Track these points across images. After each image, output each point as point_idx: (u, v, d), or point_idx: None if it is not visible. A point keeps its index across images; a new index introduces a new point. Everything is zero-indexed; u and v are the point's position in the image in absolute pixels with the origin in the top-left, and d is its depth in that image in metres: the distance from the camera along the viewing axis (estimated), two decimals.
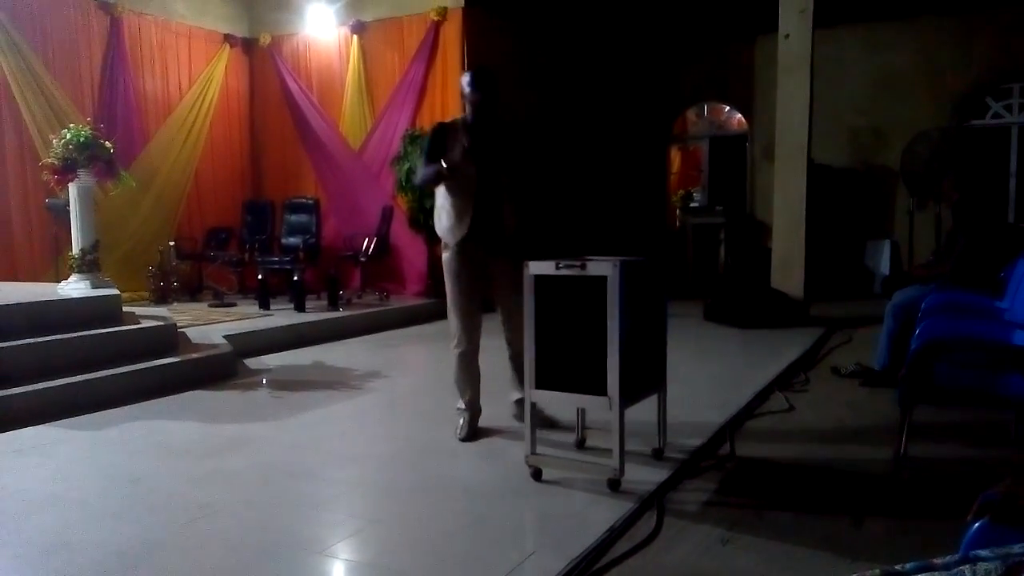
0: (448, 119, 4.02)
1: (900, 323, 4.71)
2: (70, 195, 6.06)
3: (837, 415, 4.43)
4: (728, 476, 3.39)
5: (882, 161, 10.31)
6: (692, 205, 12.04)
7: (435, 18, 8.82)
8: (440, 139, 3.79)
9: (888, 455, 3.22)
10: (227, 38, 9.85)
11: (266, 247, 8.89)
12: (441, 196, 3.84)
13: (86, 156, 5.85)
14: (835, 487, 3.27)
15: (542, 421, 3.65)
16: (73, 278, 6.03)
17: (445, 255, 3.89)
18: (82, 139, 5.84)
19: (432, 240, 7.02)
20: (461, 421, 3.91)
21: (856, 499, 3.11)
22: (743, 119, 11.57)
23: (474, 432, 3.88)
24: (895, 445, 3.17)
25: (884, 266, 9.95)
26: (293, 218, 9.07)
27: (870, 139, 10.39)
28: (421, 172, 3.88)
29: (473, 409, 3.93)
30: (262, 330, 6.76)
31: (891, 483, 3.07)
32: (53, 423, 4.27)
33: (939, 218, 9.45)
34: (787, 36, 7.71)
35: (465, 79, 3.83)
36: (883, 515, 2.95)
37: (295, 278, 7.95)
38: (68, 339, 5.01)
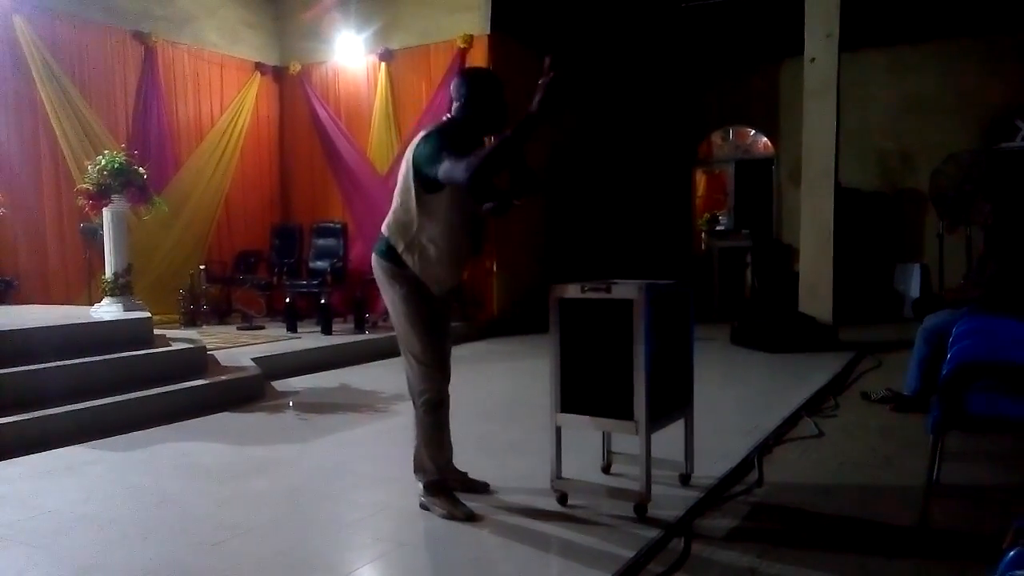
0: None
1: (931, 348, 4.65)
2: (104, 220, 6.19)
3: (867, 441, 4.37)
4: (756, 503, 3.35)
5: (911, 184, 10.22)
6: (718, 228, 11.99)
7: (461, 45, 8.93)
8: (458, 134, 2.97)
9: (920, 482, 3.17)
10: (258, 66, 10.04)
11: (294, 271, 8.99)
12: (433, 224, 3.02)
13: (120, 182, 5.99)
14: (866, 514, 3.21)
15: (464, 485, 3.36)
16: (106, 301, 6.14)
17: (403, 290, 3.10)
18: (116, 165, 5.98)
19: None
20: (439, 500, 3.17)
21: (887, 526, 3.06)
22: (769, 143, 11.55)
23: (464, 504, 3.18)
24: (927, 472, 3.11)
25: (914, 290, 9.83)
26: (321, 242, 9.16)
27: (898, 162, 10.32)
28: (466, 162, 2.71)
29: (449, 473, 3.30)
30: (289, 353, 6.83)
31: (922, 510, 3.02)
32: (85, 444, 4.33)
33: (970, 241, 9.32)
34: (813, 60, 7.71)
35: (495, 83, 3.16)
36: (915, 543, 2.90)
37: (322, 301, 8.02)
38: (100, 361, 5.10)
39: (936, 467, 3.21)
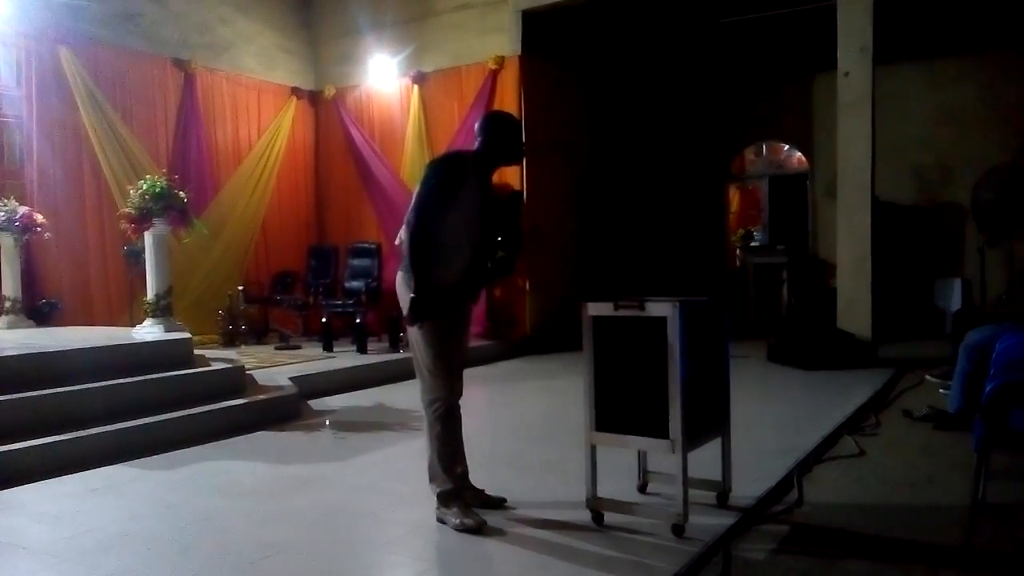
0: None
1: (974, 364, 4.55)
2: (146, 243, 6.33)
3: (910, 460, 4.28)
4: (797, 523, 3.30)
5: (949, 198, 10.07)
6: (752, 244, 11.90)
7: (493, 67, 9.01)
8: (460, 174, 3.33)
9: (964, 501, 3.10)
10: (294, 91, 10.23)
11: (330, 291, 9.08)
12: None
13: (161, 205, 6.12)
14: (909, 534, 3.15)
15: (481, 501, 3.42)
16: (147, 322, 6.27)
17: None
18: (158, 189, 6.12)
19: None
20: (452, 510, 3.26)
21: (931, 547, 3.00)
22: (803, 157, 11.46)
23: (476, 514, 3.27)
24: (972, 491, 3.05)
25: (955, 305, 9.65)
26: (356, 262, 9.25)
27: (936, 176, 10.17)
28: (411, 232, 3.22)
29: (463, 483, 3.40)
30: (325, 372, 6.88)
31: (967, 530, 2.95)
32: (127, 463, 4.40)
33: (1011, 255, 9.15)
34: (847, 74, 7.65)
35: (510, 124, 3.54)
36: (959, 564, 2.83)
37: (357, 321, 8.09)
38: (142, 381, 5.19)
39: (981, 486, 3.14)
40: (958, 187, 9.95)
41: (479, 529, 3.16)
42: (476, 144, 3.45)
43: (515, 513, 3.40)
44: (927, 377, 6.25)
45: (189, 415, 5.07)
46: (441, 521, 3.28)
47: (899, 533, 3.17)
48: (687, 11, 9.37)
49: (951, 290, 9.81)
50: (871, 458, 4.31)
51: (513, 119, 3.68)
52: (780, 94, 11.24)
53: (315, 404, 6.11)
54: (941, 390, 5.74)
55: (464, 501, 3.32)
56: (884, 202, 8.53)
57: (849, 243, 7.73)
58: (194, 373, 5.65)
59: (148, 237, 6.28)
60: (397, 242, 3.39)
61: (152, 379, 5.26)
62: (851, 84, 7.64)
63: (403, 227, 3.32)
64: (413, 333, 3.35)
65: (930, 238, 10.15)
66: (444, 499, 3.30)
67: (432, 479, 3.36)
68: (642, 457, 3.63)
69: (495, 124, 3.47)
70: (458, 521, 3.20)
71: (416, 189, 3.31)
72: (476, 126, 3.49)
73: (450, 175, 3.29)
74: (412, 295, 3.21)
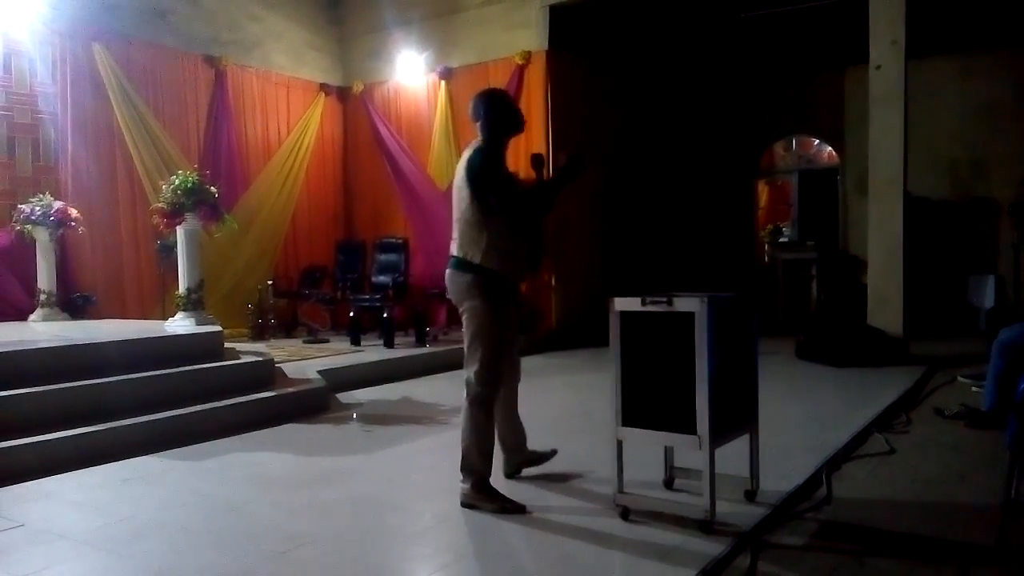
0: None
1: (1007, 361, 4.48)
2: (177, 237, 6.42)
3: (941, 458, 4.22)
4: (825, 520, 3.27)
5: (983, 193, 9.90)
6: (781, 240, 11.79)
7: (519, 62, 9.00)
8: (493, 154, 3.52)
9: (996, 500, 3.06)
10: (323, 87, 10.30)
11: (357, 285, 9.12)
12: (497, 230, 3.41)
13: (193, 200, 6.21)
14: (940, 533, 3.11)
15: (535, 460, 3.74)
16: (179, 316, 6.36)
17: (481, 299, 3.41)
18: (189, 185, 6.20)
19: None
20: (485, 496, 3.38)
21: (963, 546, 2.96)
22: (833, 152, 11.32)
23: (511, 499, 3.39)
24: (1004, 490, 3.00)
25: (989, 302, 9.48)
26: (383, 257, 9.29)
27: (969, 171, 10.00)
28: (509, 205, 3.43)
29: (488, 473, 3.48)
30: (353, 365, 6.94)
31: (1000, 530, 2.90)
32: (159, 453, 4.48)
33: None
34: (878, 67, 7.53)
35: (502, 97, 3.75)
36: (992, 564, 2.79)
37: (384, 315, 8.14)
38: (174, 374, 5.27)
39: (1014, 485, 3.09)
40: (991, 182, 9.78)
41: (518, 511, 3.27)
42: (481, 129, 3.54)
43: (541, 506, 3.41)
44: (959, 378, 6.17)
45: (219, 407, 5.13)
46: (469, 506, 3.36)
47: (930, 532, 3.13)
48: (714, 4, 9.29)
49: (984, 287, 9.64)
50: (901, 456, 4.26)
51: (500, 91, 4.02)
52: (810, 88, 11.12)
53: (343, 397, 6.17)
54: (974, 388, 5.66)
55: (495, 489, 3.40)
56: (916, 197, 8.40)
57: (880, 238, 7.62)
58: (224, 366, 5.72)
59: (180, 232, 6.37)
60: (453, 250, 3.52)
61: (183, 371, 5.34)
62: (883, 78, 7.53)
63: (455, 236, 3.46)
64: (475, 328, 3.43)
65: (963, 234, 9.99)
66: (477, 488, 3.37)
67: (467, 466, 3.42)
68: (669, 452, 3.62)
69: (492, 102, 3.58)
70: (496, 506, 3.30)
71: (467, 189, 3.41)
72: (472, 113, 3.57)
73: (494, 165, 3.46)
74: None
